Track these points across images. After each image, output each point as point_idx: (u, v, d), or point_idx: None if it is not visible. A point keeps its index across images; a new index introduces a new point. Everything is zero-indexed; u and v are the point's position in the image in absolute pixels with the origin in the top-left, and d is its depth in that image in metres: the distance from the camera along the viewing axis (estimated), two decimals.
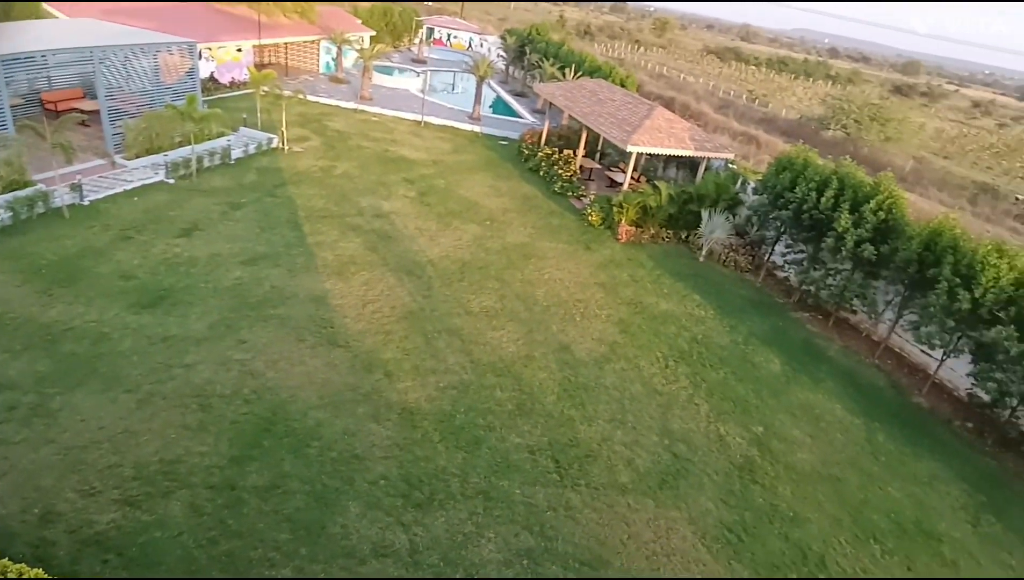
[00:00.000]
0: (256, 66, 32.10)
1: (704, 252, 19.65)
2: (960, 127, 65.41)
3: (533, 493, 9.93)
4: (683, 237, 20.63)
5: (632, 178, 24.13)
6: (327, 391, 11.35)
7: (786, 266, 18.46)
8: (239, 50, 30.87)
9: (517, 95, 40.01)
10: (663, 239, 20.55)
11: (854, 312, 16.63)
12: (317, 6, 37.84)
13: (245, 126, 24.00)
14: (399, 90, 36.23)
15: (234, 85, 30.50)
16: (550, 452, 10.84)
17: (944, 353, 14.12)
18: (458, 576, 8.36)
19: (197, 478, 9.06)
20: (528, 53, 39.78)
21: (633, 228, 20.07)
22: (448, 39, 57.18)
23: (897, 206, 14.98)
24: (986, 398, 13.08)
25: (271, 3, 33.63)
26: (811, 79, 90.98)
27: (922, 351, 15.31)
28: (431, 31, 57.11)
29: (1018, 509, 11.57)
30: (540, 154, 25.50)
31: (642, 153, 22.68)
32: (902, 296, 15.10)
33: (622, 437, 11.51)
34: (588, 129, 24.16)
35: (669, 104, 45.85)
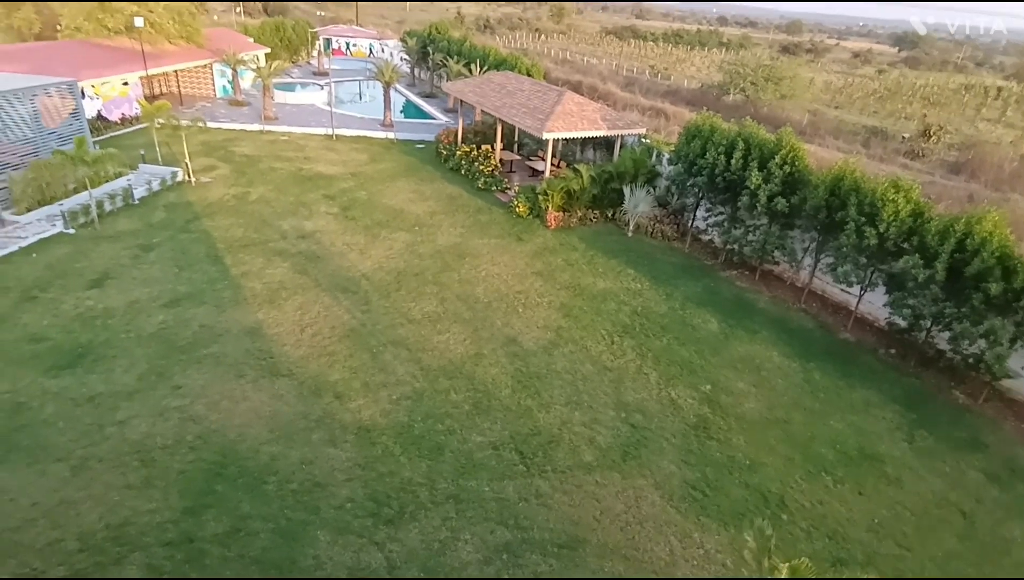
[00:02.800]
0: (147, 98, 30.46)
1: (631, 227, 20.18)
2: (845, 77, 69.73)
3: (502, 488, 9.97)
4: (610, 215, 21.11)
5: (552, 164, 24.46)
6: (277, 423, 10.97)
7: (709, 229, 19.21)
8: (125, 84, 29.13)
9: (427, 96, 39.68)
10: (591, 220, 20.95)
11: (777, 263, 17.50)
12: (204, 29, 36.21)
13: (144, 162, 22.73)
14: (304, 106, 35.22)
15: (125, 121, 28.77)
16: (513, 444, 10.90)
17: (861, 288, 15.10)
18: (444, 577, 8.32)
19: (150, 537, 8.58)
20: (431, 53, 39.48)
21: (561, 213, 20.36)
22: (347, 48, 55.97)
23: (799, 158, 15.86)
24: (903, 324, 14.08)
25: (154, 31, 31.87)
26: (706, 48, 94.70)
27: (842, 290, 16.28)
28: (329, 42, 55.71)
29: (945, 420, 12.56)
30: (459, 153, 25.42)
31: (559, 139, 23.04)
32: (816, 242, 16.03)
33: (580, 417, 11.71)
34: (503, 122, 24.27)
35: (577, 87, 46.67)
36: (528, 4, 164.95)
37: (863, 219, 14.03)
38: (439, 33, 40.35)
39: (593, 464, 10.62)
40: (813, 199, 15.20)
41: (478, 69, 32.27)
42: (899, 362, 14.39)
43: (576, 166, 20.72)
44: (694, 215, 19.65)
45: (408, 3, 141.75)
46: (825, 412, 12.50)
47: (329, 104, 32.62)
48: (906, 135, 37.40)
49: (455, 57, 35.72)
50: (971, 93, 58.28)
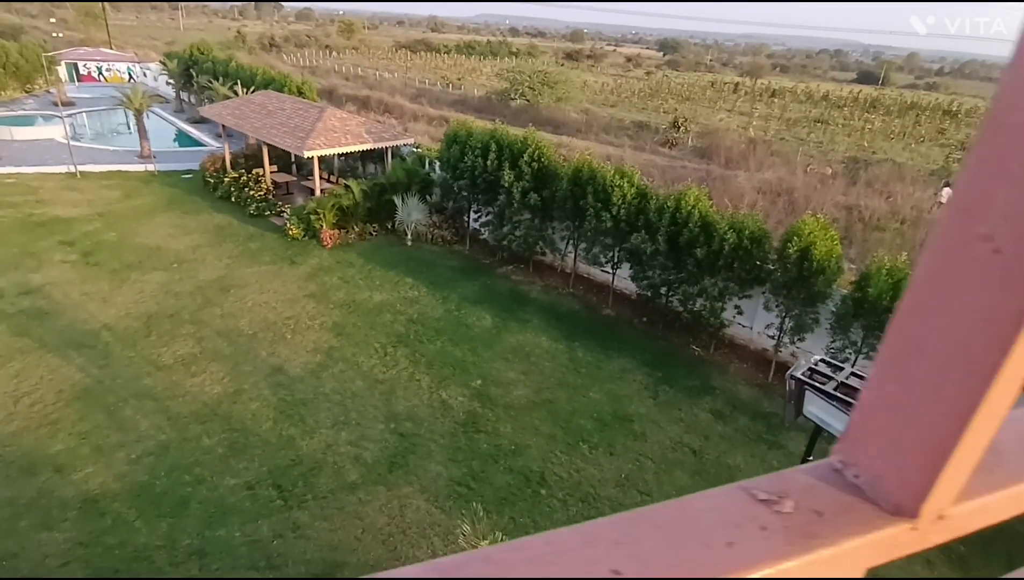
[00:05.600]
0: None
1: (410, 236, 20.29)
2: (618, 80, 77.34)
3: (256, 529, 9.32)
4: (390, 227, 21.03)
5: (331, 182, 23.82)
6: None
7: (482, 229, 19.95)
8: None
9: (196, 122, 36.52)
10: (370, 234, 20.69)
11: (544, 254, 18.66)
12: None
13: None
14: (40, 141, 30.51)
15: None
16: (271, 480, 10.28)
17: (612, 267, 16.63)
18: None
19: None
20: (195, 76, 36.47)
21: (337, 231, 19.84)
22: (100, 73, 49.76)
23: (545, 154, 17.08)
24: (648, 294, 15.77)
25: None
26: (498, 58, 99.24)
27: (602, 270, 17.80)
28: (76, 67, 49.10)
29: (683, 373, 14.26)
30: (227, 180, 23.72)
31: (336, 155, 22.47)
32: (573, 229, 17.35)
33: (347, 437, 11.40)
34: (267, 144, 23.06)
35: (365, 102, 46.24)
36: (319, 22, 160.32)
37: (600, 205, 15.46)
38: (202, 54, 37.38)
39: (358, 483, 10.37)
40: (560, 191, 16.44)
41: (245, 90, 30.42)
42: (649, 329, 16.08)
43: (347, 182, 20.36)
44: (469, 217, 20.29)
45: (182, 23, 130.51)
46: (586, 386, 13.53)
47: (70, 138, 28.55)
48: (664, 126, 42.32)
49: (220, 79, 33.35)
50: (714, 89, 67.80)
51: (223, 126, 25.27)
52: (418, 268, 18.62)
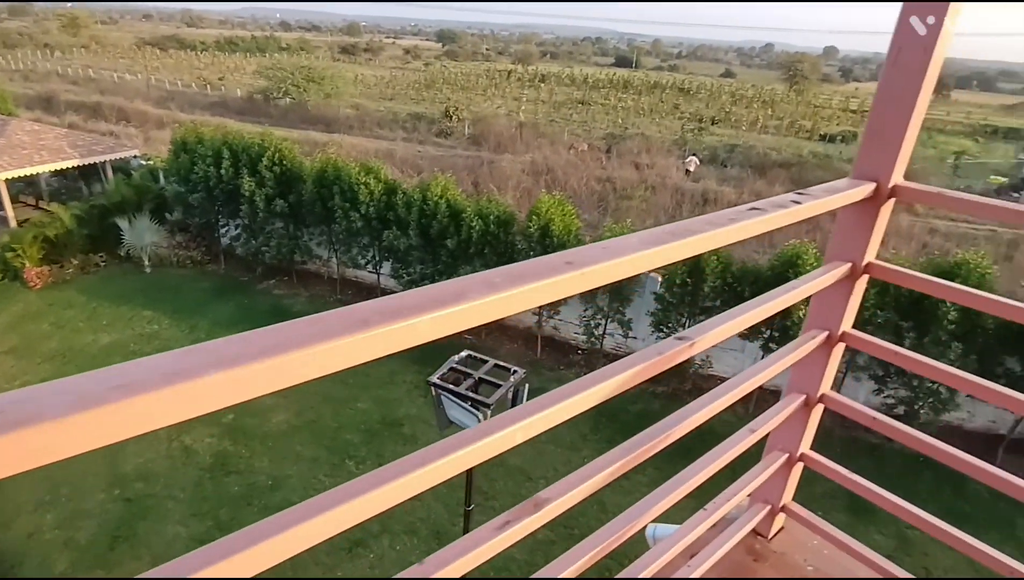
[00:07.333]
0: None
1: (149, 262, 17.70)
2: (396, 72, 76.43)
3: None
4: (123, 255, 18.13)
5: (39, 208, 19.93)
6: None
7: (235, 244, 18.11)
8: None
9: None
10: (96, 266, 17.65)
11: (304, 263, 17.45)
12: None
13: None
14: None
15: None
16: None
17: (375, 266, 16.05)
18: None
19: None
20: None
21: (47, 268, 16.58)
22: None
23: (286, 157, 15.85)
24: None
25: None
26: (266, 54, 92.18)
27: (368, 272, 17.12)
28: None
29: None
30: None
31: (30, 177, 18.72)
32: (327, 232, 16.40)
33: (55, 519, 9.46)
34: None
35: (96, 109, 40.16)
36: (38, 17, 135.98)
37: (348, 204, 14.74)
38: None
39: (68, 571, 8.63)
40: (307, 194, 15.39)
41: None
42: None
43: (47, 207, 17.09)
44: (218, 233, 18.26)
45: None
46: (354, 397, 12.84)
47: None
48: (439, 118, 42.57)
49: None
50: (488, 77, 70.25)
51: None
52: (160, 297, 16.30)
